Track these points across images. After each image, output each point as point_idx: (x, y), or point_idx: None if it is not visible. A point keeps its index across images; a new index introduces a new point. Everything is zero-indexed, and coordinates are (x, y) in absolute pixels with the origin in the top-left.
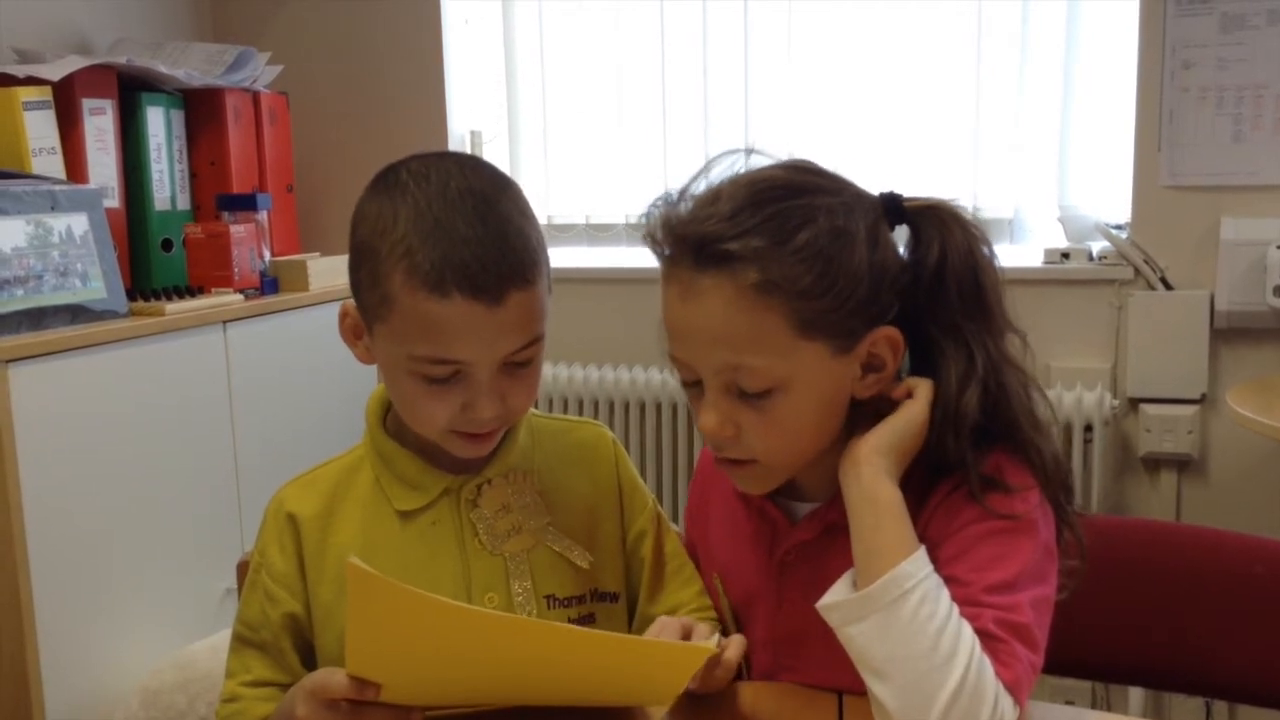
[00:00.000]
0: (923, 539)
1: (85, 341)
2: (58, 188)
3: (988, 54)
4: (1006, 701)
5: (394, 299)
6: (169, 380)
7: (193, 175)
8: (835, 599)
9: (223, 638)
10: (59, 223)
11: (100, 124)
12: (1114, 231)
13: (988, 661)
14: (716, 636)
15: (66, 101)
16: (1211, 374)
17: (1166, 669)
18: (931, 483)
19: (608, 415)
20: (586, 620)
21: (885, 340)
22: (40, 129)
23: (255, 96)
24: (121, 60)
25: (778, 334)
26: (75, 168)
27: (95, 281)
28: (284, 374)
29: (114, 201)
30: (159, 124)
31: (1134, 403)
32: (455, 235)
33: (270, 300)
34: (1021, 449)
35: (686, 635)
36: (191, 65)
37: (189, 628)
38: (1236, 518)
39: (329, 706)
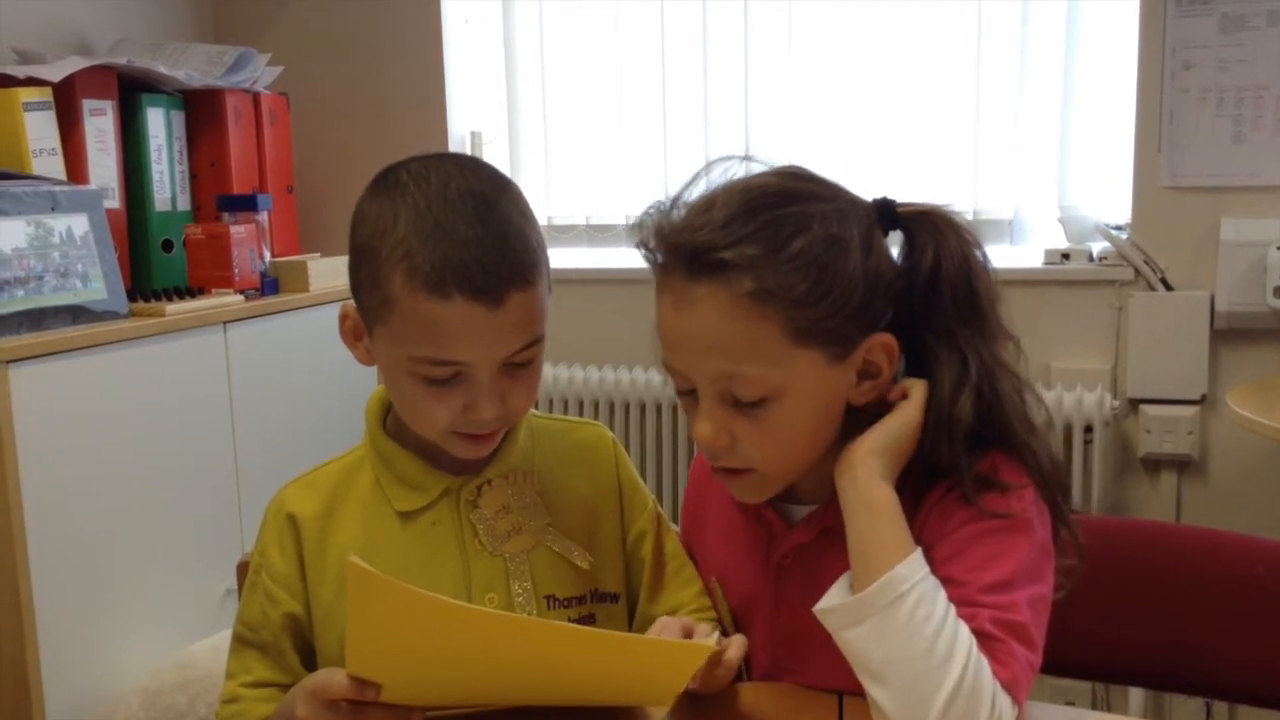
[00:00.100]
0: (919, 541)
1: (86, 342)
2: (58, 188)
3: (988, 54)
4: (1004, 701)
5: (394, 300)
6: (169, 381)
7: (193, 176)
8: (832, 603)
9: (223, 638)
10: (59, 223)
11: (101, 125)
12: (1114, 232)
13: (985, 661)
14: (716, 635)
15: (67, 102)
16: (1211, 375)
17: (1166, 669)
18: (927, 485)
19: (608, 416)
20: (587, 621)
21: (881, 347)
22: (41, 130)
23: (255, 97)
24: (122, 61)
25: (773, 342)
26: (76, 168)
27: (96, 282)
28: (284, 375)
29: (114, 202)
30: (159, 125)
31: (1134, 403)
32: (455, 236)
33: (270, 301)
34: (1017, 453)
35: (688, 635)
36: (192, 66)
37: (189, 628)
38: (1236, 518)
39: (329, 707)
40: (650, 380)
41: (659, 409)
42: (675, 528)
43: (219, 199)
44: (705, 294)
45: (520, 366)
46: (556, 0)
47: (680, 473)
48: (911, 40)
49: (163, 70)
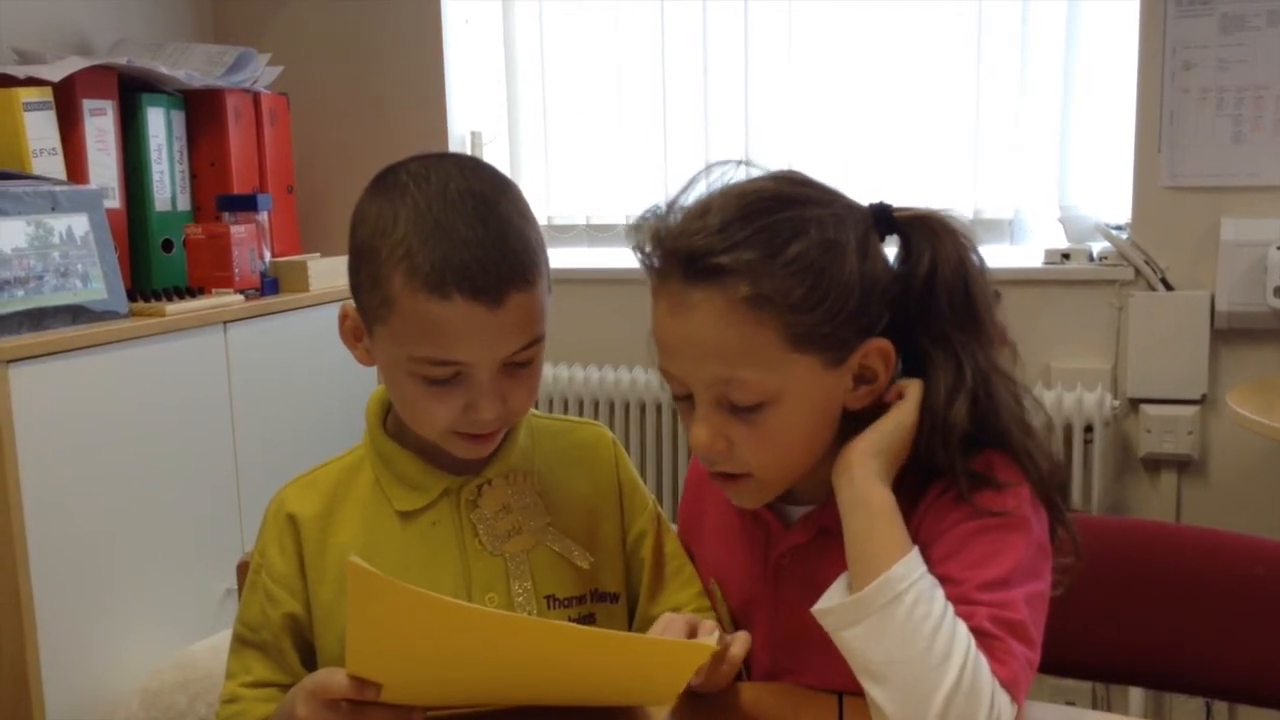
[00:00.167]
0: (916, 540)
1: (86, 342)
2: (58, 188)
3: (988, 54)
4: (1003, 699)
5: (394, 301)
6: (169, 381)
7: (193, 176)
8: (830, 603)
9: (223, 638)
10: (59, 223)
11: (101, 125)
12: (1114, 232)
13: (983, 660)
14: (717, 634)
15: (67, 102)
16: (1212, 375)
17: (1167, 669)
18: (923, 485)
19: (608, 416)
20: (587, 620)
21: (877, 352)
22: (41, 130)
23: (256, 97)
24: (122, 61)
25: (769, 347)
26: (76, 168)
27: (96, 282)
28: (284, 374)
29: (114, 202)
30: (159, 125)
31: (1134, 403)
32: (455, 236)
33: (270, 301)
34: (1013, 455)
35: (692, 632)
36: (192, 66)
37: (189, 628)
38: (1236, 518)
39: (329, 707)
40: (650, 380)
41: (659, 409)
42: (675, 528)
43: (219, 199)
44: (702, 299)
45: (520, 366)
46: (556, 0)
47: (680, 473)
48: (911, 40)
49: (163, 70)
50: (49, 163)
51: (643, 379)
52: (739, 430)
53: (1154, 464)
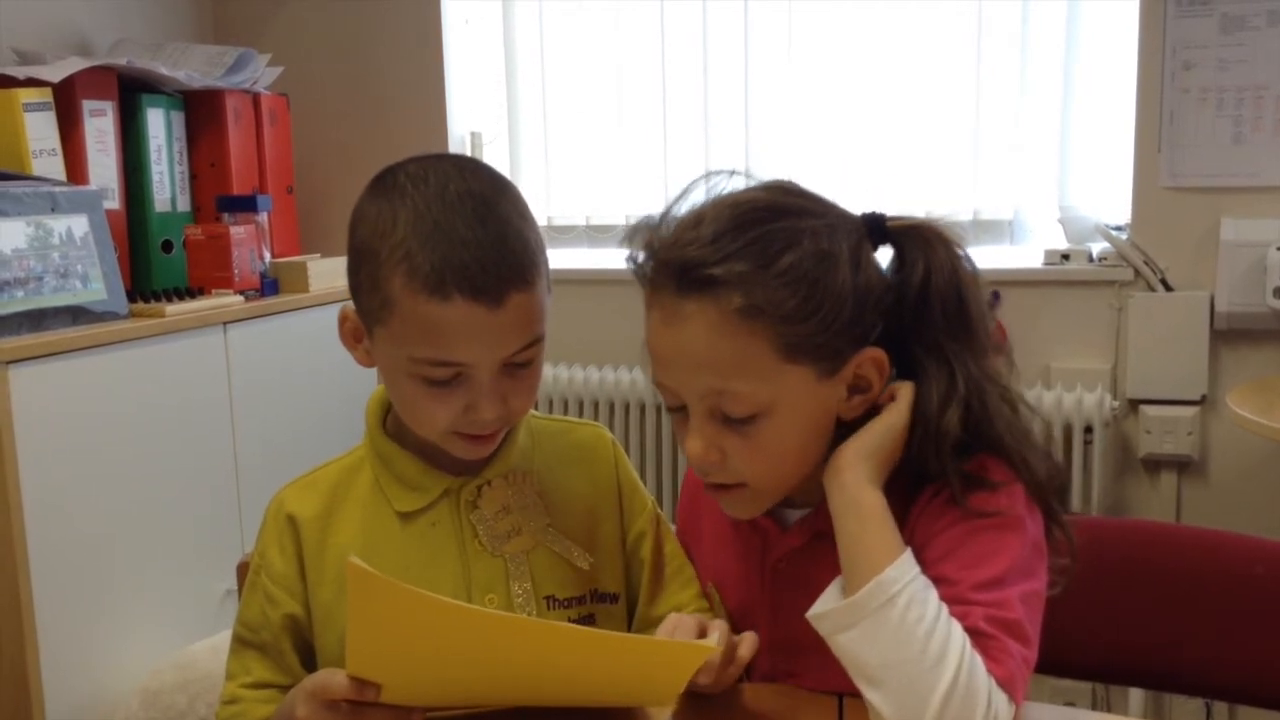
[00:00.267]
0: (910, 542)
1: (86, 343)
2: (58, 189)
3: (988, 54)
4: (1000, 698)
5: (394, 302)
6: (169, 381)
7: (193, 176)
8: (824, 608)
9: (223, 638)
10: (59, 224)
11: (100, 125)
12: (1114, 232)
13: (979, 660)
14: (717, 635)
15: (67, 103)
16: (1211, 375)
17: (1166, 670)
18: (917, 487)
19: (607, 416)
20: (586, 621)
21: (871, 362)
22: (40, 130)
23: (255, 98)
24: (122, 61)
25: (762, 359)
26: (75, 169)
27: (95, 283)
28: (284, 375)
29: (114, 203)
30: (159, 125)
31: (1134, 404)
32: (455, 238)
33: (270, 301)
34: (1008, 462)
35: (702, 633)
36: (192, 67)
37: (189, 628)
38: (1236, 519)
39: (329, 707)
40: (649, 381)
41: (658, 410)
42: (674, 528)
43: (219, 199)
44: (694, 310)
45: (520, 367)
46: (556, 0)
47: (679, 473)
48: (911, 40)
49: (163, 71)
50: (49, 163)
51: (642, 380)
52: (733, 442)
53: (1154, 464)
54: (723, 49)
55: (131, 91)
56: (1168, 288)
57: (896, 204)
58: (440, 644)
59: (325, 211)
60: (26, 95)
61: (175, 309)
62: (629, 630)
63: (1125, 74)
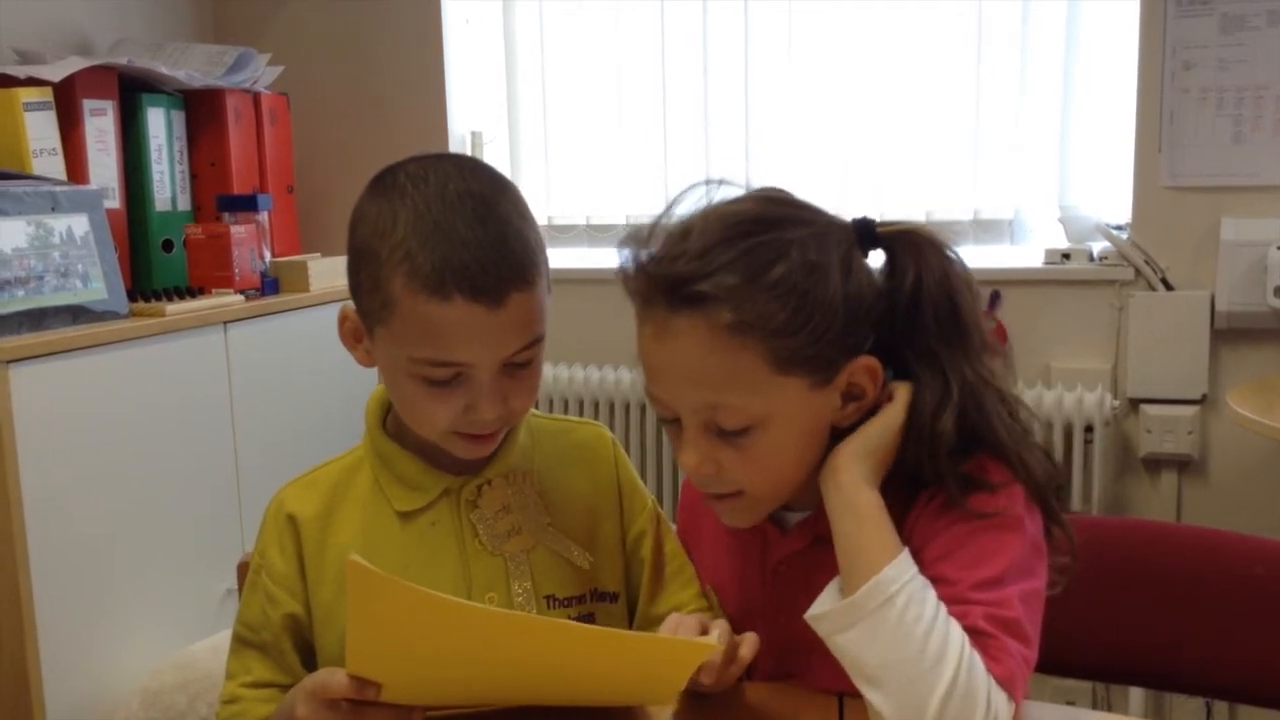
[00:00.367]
0: (909, 543)
1: (86, 342)
2: (58, 188)
3: (988, 54)
4: (1000, 697)
5: (394, 302)
6: (169, 381)
7: (193, 176)
8: (822, 608)
9: (223, 638)
10: (60, 223)
11: (101, 125)
12: (1114, 232)
13: (978, 659)
14: (718, 633)
15: (67, 102)
16: (1212, 375)
17: (1167, 669)
18: (915, 488)
19: (607, 416)
20: (586, 620)
21: (864, 370)
22: (41, 130)
23: (256, 97)
24: (122, 61)
25: (754, 372)
26: (76, 168)
27: (96, 282)
28: (284, 375)
29: (115, 202)
30: (159, 125)
31: (1134, 403)
32: (455, 238)
33: (271, 301)
34: (1006, 463)
35: (703, 632)
36: (192, 66)
37: (189, 628)
38: (1237, 518)
39: (329, 706)
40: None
41: None
42: (674, 528)
43: (219, 199)
44: (685, 326)
45: (521, 367)
46: (556, 0)
47: (680, 473)
48: (911, 40)
49: (163, 70)
50: (49, 163)
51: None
52: (727, 454)
53: (1154, 464)
54: (723, 49)
55: (132, 91)
56: (1168, 287)
57: (897, 204)
58: (441, 642)
59: (325, 211)
60: (27, 95)
61: (175, 308)
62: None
63: (1125, 74)
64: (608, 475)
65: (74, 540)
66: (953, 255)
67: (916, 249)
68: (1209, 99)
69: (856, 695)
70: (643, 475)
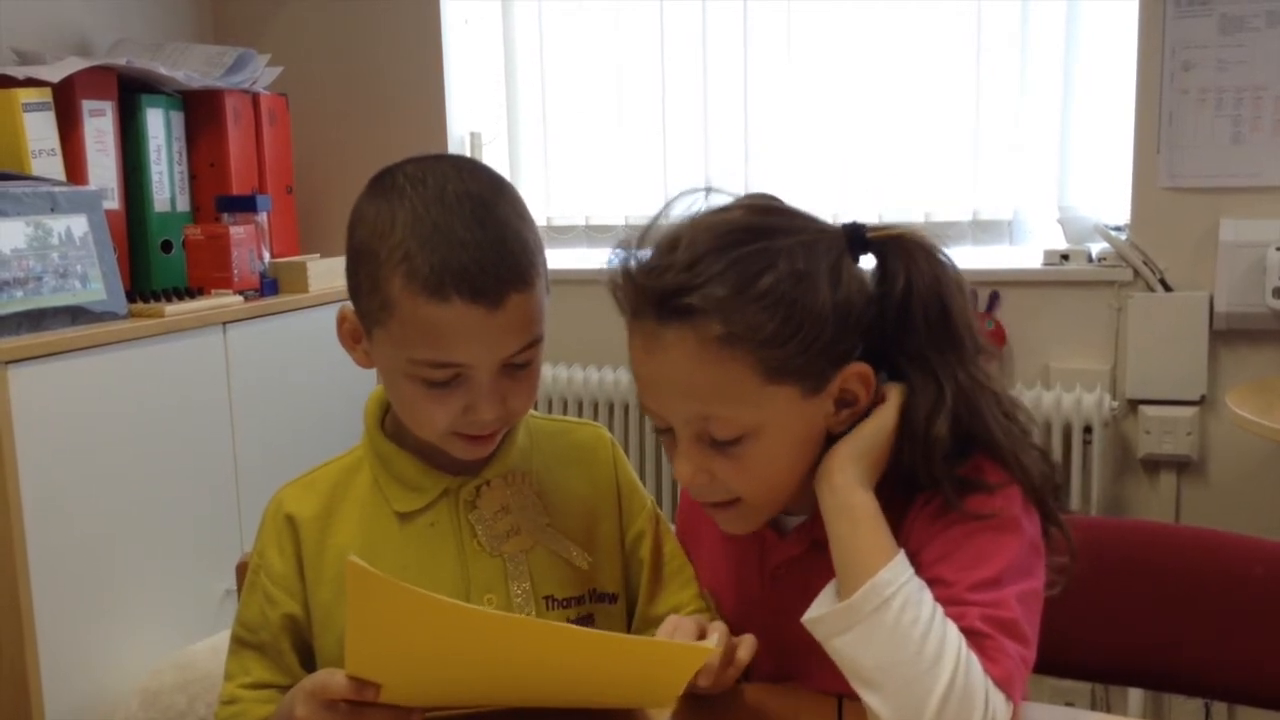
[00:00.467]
0: (906, 545)
1: (85, 343)
2: (57, 189)
3: (988, 54)
4: (998, 698)
5: (393, 304)
6: (169, 382)
7: (192, 177)
8: (819, 612)
9: (223, 639)
10: (59, 224)
11: (100, 125)
12: (1113, 233)
13: (976, 660)
14: (716, 636)
15: (66, 103)
16: (1211, 375)
17: (1166, 670)
18: (909, 494)
19: (607, 417)
20: (585, 621)
21: (856, 376)
22: (40, 130)
23: (255, 98)
24: (121, 62)
25: (745, 383)
26: (75, 169)
27: (95, 283)
28: (284, 375)
29: (114, 203)
30: (159, 125)
31: (1133, 404)
32: (454, 239)
33: (270, 301)
34: (1003, 464)
35: (701, 635)
36: (191, 67)
37: (189, 629)
38: (1236, 519)
39: (328, 707)
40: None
41: None
42: (673, 528)
43: (218, 199)
44: (675, 338)
45: (520, 367)
46: (556, 0)
47: None
48: (911, 40)
49: (162, 71)
50: (48, 163)
51: None
52: (721, 464)
53: (1153, 465)
54: (722, 49)
55: (131, 91)
56: (1167, 288)
57: (896, 205)
58: (440, 644)
59: (325, 211)
60: (26, 95)
61: (175, 309)
62: (628, 630)
63: (1125, 74)
64: (606, 476)
65: (73, 541)
66: (944, 259)
67: (907, 253)
68: (1208, 100)
69: (855, 697)
70: (642, 476)
